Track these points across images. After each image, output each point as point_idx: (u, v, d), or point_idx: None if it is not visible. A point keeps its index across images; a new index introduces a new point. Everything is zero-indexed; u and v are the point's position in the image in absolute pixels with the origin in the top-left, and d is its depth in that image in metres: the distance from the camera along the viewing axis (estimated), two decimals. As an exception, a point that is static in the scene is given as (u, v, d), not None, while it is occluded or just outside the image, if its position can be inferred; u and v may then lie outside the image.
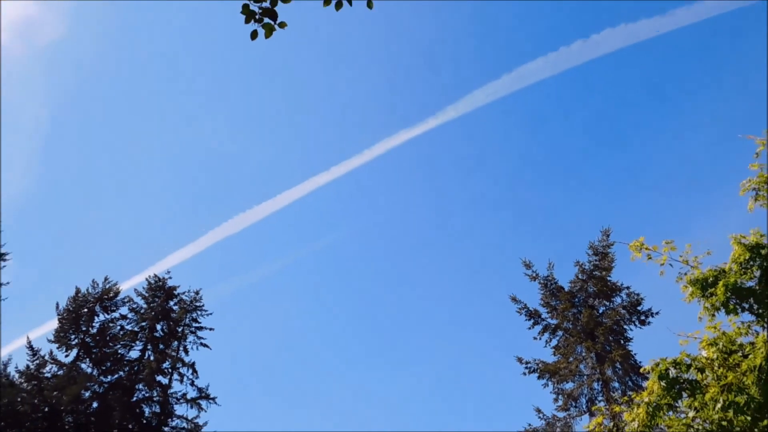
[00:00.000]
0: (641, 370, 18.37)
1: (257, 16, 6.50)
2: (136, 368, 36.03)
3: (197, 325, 38.74)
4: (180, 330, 38.18)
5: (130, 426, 34.22)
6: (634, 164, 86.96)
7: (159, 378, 36.04)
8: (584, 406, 30.73)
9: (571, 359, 31.88)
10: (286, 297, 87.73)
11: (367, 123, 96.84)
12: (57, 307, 37.06)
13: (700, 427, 8.93)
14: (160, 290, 39.21)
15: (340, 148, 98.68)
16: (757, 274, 9.10)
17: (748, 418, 8.34)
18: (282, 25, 6.55)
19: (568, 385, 31.47)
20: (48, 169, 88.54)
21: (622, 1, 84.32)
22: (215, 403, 36.28)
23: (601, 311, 33.06)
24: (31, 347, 34.97)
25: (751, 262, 9.12)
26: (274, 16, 6.51)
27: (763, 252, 9.06)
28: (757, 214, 9.76)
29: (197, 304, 39.28)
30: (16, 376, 33.65)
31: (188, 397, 36.06)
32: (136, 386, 35.35)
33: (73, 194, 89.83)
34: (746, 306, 9.14)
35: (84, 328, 36.51)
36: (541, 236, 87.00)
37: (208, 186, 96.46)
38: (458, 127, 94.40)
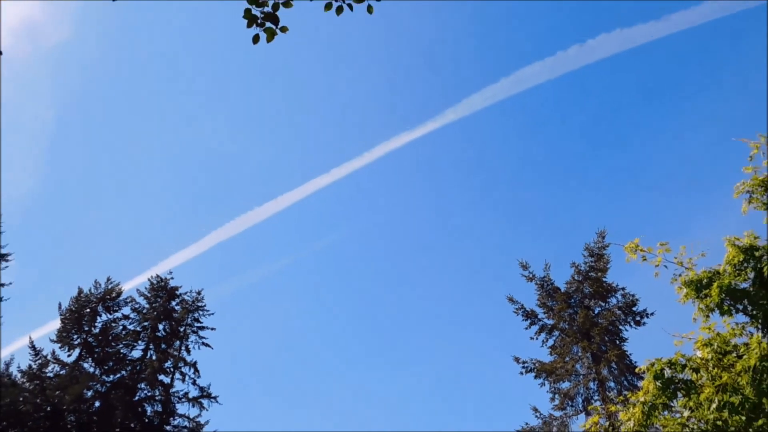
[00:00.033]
0: (637, 370, 18.37)
1: (259, 21, 6.51)
2: (138, 368, 35.97)
3: (199, 324, 38.70)
4: (182, 330, 38.11)
5: (132, 425, 34.14)
6: (632, 165, 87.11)
7: (161, 377, 35.99)
8: (580, 406, 30.74)
9: (567, 359, 31.89)
10: (287, 297, 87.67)
11: (366, 125, 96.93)
12: (59, 307, 37.03)
13: (695, 427, 8.91)
14: (162, 290, 39.16)
15: (340, 150, 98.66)
16: (751, 275, 9.11)
17: (743, 418, 8.33)
18: (283, 29, 6.56)
19: (565, 385, 31.50)
20: (52, 169, 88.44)
21: (618, 7, 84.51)
22: (217, 402, 36.25)
23: (596, 312, 33.09)
24: (33, 347, 34.92)
25: (745, 264, 9.13)
26: (275, 20, 6.52)
27: (756, 254, 9.07)
28: (757, 215, 9.77)
29: (199, 304, 39.25)
30: (19, 375, 33.60)
31: (190, 396, 35.99)
32: (138, 385, 35.28)
33: (76, 195, 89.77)
34: (740, 307, 9.14)
35: (86, 328, 36.44)
36: (539, 237, 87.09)
37: (209, 187, 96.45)
38: (457, 130, 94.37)
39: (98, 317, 37.25)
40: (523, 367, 32.11)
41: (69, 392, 32.00)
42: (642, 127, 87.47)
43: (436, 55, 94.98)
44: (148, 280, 39.56)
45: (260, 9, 6.48)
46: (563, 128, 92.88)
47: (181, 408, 35.96)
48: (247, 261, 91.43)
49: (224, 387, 75.50)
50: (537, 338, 33.25)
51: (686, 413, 9.05)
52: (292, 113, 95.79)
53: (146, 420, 34.80)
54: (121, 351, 36.59)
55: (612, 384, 30.47)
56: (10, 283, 35.63)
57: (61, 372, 34.23)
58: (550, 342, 33.13)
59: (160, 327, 37.98)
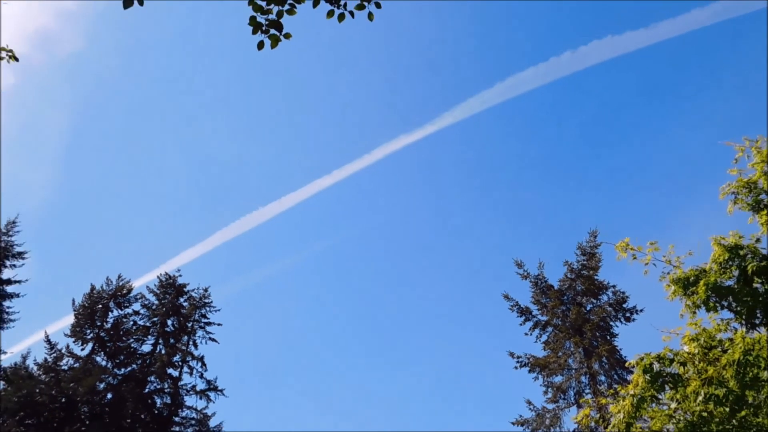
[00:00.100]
0: (626, 365, 18.34)
1: (264, 28, 6.50)
2: (148, 361, 35.98)
3: (206, 320, 38.69)
4: (189, 325, 38.11)
5: (142, 416, 34.16)
6: (625, 166, 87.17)
7: (170, 371, 35.98)
8: (572, 399, 30.71)
9: (560, 354, 31.86)
10: (290, 295, 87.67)
11: (367, 128, 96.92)
12: (73, 303, 37.07)
13: (682, 418, 8.92)
14: (170, 287, 39.16)
15: (341, 152, 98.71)
16: (736, 273, 9.11)
17: (727, 409, 8.34)
18: (287, 36, 6.56)
19: (558, 379, 31.46)
20: (66, 173, 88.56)
21: (608, 15, 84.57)
22: (223, 394, 36.25)
23: (588, 308, 33.06)
24: (48, 341, 34.95)
25: (730, 263, 9.13)
26: (279, 27, 6.52)
27: (741, 253, 9.07)
28: (744, 215, 9.76)
29: (206, 300, 39.23)
30: (35, 368, 33.63)
31: (197, 388, 36.01)
32: (148, 378, 35.29)
33: (90, 197, 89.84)
34: (725, 304, 9.14)
35: (99, 323, 36.45)
36: (535, 236, 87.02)
37: (216, 189, 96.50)
38: (455, 133, 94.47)
39: (110, 313, 37.28)
40: (518, 362, 32.08)
41: (82, 384, 32.02)
42: (634, 129, 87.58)
43: (433, 62, 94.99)
44: (158, 277, 39.62)
45: (265, 17, 6.48)
46: (558, 131, 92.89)
47: (189, 400, 36.01)
48: (252, 260, 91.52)
49: (230, 380, 75.57)
50: (531, 334, 33.23)
51: (673, 405, 9.05)
52: (295, 116, 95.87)
53: (156, 411, 34.82)
54: (132, 345, 36.60)
55: (603, 378, 30.45)
56: (27, 280, 35.76)
57: (75, 365, 34.25)
58: (544, 338, 33.11)
59: (169, 322, 37.98)
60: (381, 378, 75.32)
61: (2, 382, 32.60)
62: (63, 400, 31.93)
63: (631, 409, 9.13)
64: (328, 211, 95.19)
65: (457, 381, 72.27)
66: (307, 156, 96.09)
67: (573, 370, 31.25)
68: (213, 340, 38.15)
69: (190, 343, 37.49)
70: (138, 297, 38.39)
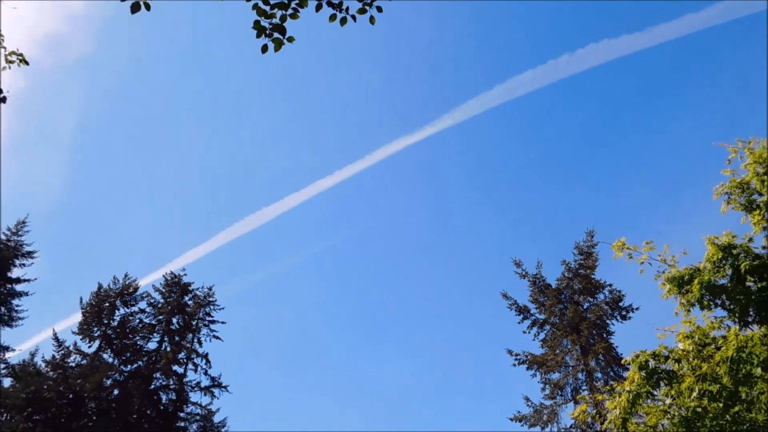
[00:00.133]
0: (622, 362, 18.39)
1: (267, 32, 6.52)
2: (153, 358, 36.00)
3: (210, 318, 38.69)
4: (194, 323, 38.12)
5: (148, 411, 34.18)
6: (623, 167, 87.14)
7: (175, 367, 36.01)
8: (569, 395, 30.71)
9: (557, 351, 31.87)
10: (292, 294, 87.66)
11: (368, 129, 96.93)
12: (81, 301, 37.08)
13: (676, 414, 8.93)
14: (175, 286, 39.18)
15: (342, 153, 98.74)
16: (729, 272, 9.12)
17: (720, 405, 8.35)
18: (290, 39, 6.58)
19: (555, 376, 31.48)
20: (74, 174, 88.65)
21: (605, 19, 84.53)
22: (227, 391, 36.25)
23: (585, 307, 33.06)
24: (56, 339, 34.97)
25: (724, 261, 9.13)
26: (283, 31, 6.54)
27: (734, 252, 9.08)
28: (737, 214, 9.77)
29: (210, 299, 39.24)
30: (43, 365, 33.64)
31: (202, 385, 36.00)
32: (154, 375, 35.31)
33: (97, 198, 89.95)
34: (719, 302, 9.15)
35: (106, 321, 36.47)
36: (534, 236, 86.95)
37: (220, 190, 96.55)
38: (455, 134, 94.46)
39: (116, 311, 37.28)
40: (516, 359, 32.10)
41: (90, 381, 32.04)
42: (631, 131, 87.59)
43: (433, 63, 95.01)
44: (163, 276, 39.62)
45: (269, 21, 6.50)
46: (556, 132, 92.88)
47: (194, 396, 36.02)
48: (255, 259, 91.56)
49: (234, 377, 75.43)
50: (529, 332, 33.24)
51: (668, 401, 9.06)
52: (297, 118, 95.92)
53: (161, 407, 34.85)
54: (138, 343, 36.62)
55: (599, 375, 30.45)
56: (36, 279, 35.81)
57: (83, 362, 34.28)
58: (542, 335, 33.12)
59: (174, 320, 38.01)
60: (381, 376, 75.33)
61: (11, 379, 32.67)
62: (70, 396, 31.96)
63: (627, 405, 9.14)
64: (330, 212, 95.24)
65: (457, 378, 72.29)
66: (309, 157, 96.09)
67: (570, 368, 31.26)
68: (217, 338, 38.20)
69: (195, 340, 37.52)
70: (144, 295, 38.43)
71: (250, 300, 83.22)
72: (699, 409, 8.59)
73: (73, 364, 34.17)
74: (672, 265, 9.79)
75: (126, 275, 38.61)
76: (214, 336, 38.14)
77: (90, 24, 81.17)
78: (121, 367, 35.28)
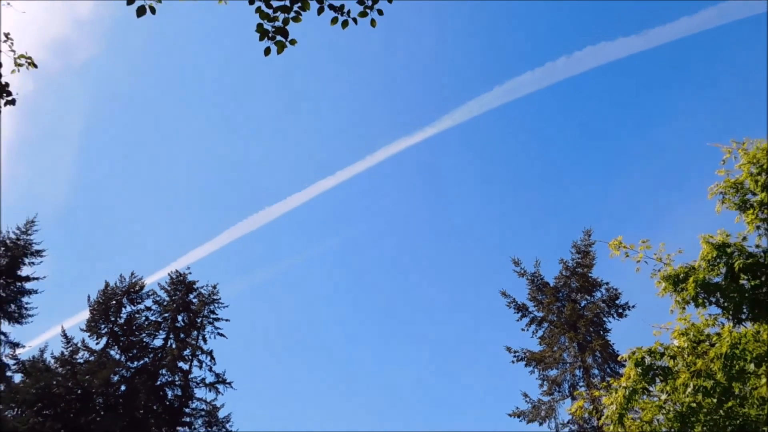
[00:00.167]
0: (619, 358, 18.33)
1: (270, 34, 6.51)
2: (159, 355, 36.05)
3: (214, 316, 38.71)
4: (199, 321, 38.16)
5: (154, 407, 34.23)
6: (622, 167, 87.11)
7: (180, 364, 36.05)
8: (567, 391, 30.66)
9: (555, 348, 31.83)
10: (294, 293, 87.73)
11: (369, 130, 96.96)
12: (88, 299, 37.14)
13: (672, 409, 8.92)
14: (181, 284, 39.22)
15: (343, 154, 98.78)
16: (723, 270, 9.11)
17: (714, 400, 8.35)
18: (292, 42, 6.57)
19: (553, 372, 31.41)
20: (82, 174, 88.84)
21: (602, 22, 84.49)
22: (231, 387, 36.28)
23: (582, 305, 33.02)
24: (65, 335, 35.05)
25: (718, 260, 9.13)
26: (285, 34, 6.53)
27: (728, 250, 9.07)
28: (731, 214, 9.75)
29: (214, 297, 39.27)
30: (52, 361, 33.71)
31: (207, 381, 36.06)
32: (160, 371, 35.35)
33: (104, 197, 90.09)
34: (713, 300, 9.15)
35: (113, 319, 36.54)
36: (532, 235, 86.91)
37: (224, 190, 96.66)
38: (455, 135, 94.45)
39: (123, 309, 37.34)
40: (515, 356, 32.06)
41: (97, 377, 32.10)
42: (629, 131, 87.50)
43: (433, 65, 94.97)
44: (168, 274, 39.66)
45: (271, 24, 6.49)
46: (555, 133, 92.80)
47: (199, 392, 36.07)
48: (258, 258, 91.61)
49: (238, 374, 75.47)
50: (527, 329, 33.19)
51: (664, 397, 9.06)
52: (299, 119, 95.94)
53: (167, 403, 34.89)
54: (144, 340, 36.67)
55: (596, 371, 30.41)
56: (45, 277, 35.88)
57: (90, 358, 34.34)
58: (540, 333, 33.07)
59: (179, 318, 38.04)
60: (382, 373, 75.40)
61: (21, 375, 32.74)
62: (79, 391, 32.02)
63: (624, 400, 9.13)
64: (332, 212, 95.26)
65: (456, 375, 72.28)
66: (311, 157, 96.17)
67: (567, 364, 31.22)
68: (221, 335, 38.24)
69: (200, 337, 37.54)
70: (150, 293, 38.47)
71: (253, 298, 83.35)
72: (693, 405, 8.58)
73: (82, 361, 34.24)
74: (667, 263, 9.79)
75: (132, 274, 38.70)
76: (218, 333, 38.20)
77: (97, 28, 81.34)
78: (128, 363, 35.33)
